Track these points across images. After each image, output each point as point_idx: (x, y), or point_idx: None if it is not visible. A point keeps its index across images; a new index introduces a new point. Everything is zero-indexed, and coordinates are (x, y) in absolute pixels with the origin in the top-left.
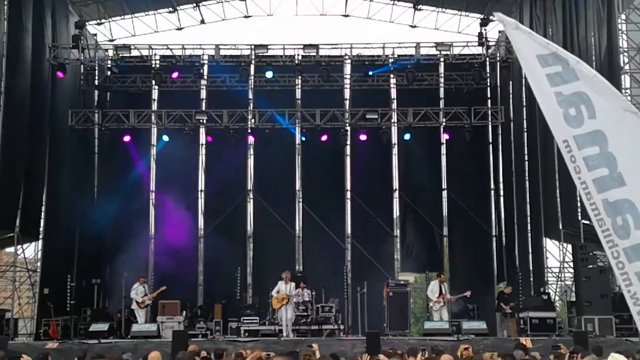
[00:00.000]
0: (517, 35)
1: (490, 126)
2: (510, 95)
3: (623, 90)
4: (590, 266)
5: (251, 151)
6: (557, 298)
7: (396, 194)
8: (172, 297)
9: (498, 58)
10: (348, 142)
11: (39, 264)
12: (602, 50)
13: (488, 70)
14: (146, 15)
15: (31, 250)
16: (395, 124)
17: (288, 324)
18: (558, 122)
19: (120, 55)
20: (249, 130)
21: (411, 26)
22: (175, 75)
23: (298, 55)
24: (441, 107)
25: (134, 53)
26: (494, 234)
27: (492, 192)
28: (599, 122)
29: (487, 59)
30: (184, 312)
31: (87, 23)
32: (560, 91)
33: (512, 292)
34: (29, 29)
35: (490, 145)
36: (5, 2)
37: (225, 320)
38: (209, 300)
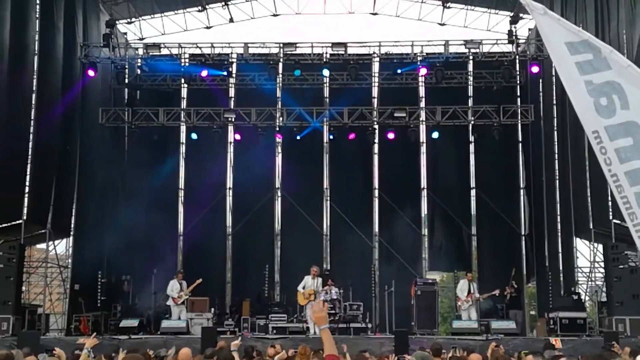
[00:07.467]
0: (545, 21)
1: (519, 125)
2: (541, 94)
3: None
4: (622, 266)
5: (279, 149)
6: (587, 298)
7: (424, 193)
8: (200, 294)
9: (528, 56)
10: (376, 141)
11: (70, 260)
12: (634, 48)
13: (518, 68)
14: (175, 14)
15: (62, 247)
16: (424, 122)
17: None
18: (588, 112)
19: (150, 53)
20: (277, 129)
21: (440, 24)
22: (204, 73)
23: (326, 53)
24: (470, 105)
25: (164, 51)
26: (523, 233)
27: (522, 191)
28: (632, 113)
29: (517, 56)
30: (212, 309)
31: (117, 22)
32: (590, 80)
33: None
34: (60, 27)
35: (520, 144)
36: (37, 1)
37: (253, 317)
38: (237, 297)
